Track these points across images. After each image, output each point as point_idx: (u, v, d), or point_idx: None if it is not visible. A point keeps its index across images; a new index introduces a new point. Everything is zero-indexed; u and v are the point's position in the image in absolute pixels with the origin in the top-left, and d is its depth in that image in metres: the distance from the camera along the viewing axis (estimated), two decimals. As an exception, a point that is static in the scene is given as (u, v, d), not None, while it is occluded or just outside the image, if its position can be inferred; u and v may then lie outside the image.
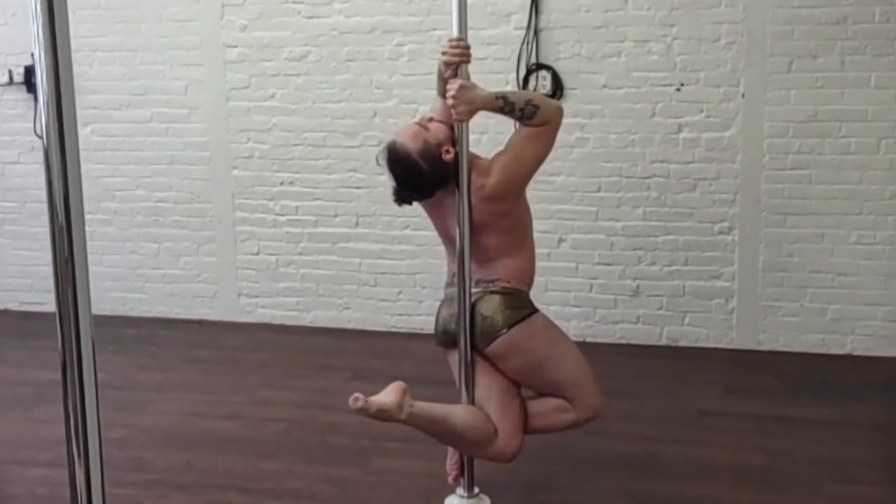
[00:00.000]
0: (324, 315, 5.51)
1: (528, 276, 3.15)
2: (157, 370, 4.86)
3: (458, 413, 3.10)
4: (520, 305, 3.07)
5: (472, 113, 2.96)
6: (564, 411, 3.14)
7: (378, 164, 3.11)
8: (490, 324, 3.04)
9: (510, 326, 3.03)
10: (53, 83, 1.26)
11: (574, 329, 5.10)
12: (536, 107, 2.93)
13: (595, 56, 4.95)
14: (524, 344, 3.06)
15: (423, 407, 3.02)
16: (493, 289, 3.07)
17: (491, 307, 3.05)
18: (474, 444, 3.12)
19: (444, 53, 3.02)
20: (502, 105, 2.93)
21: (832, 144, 4.78)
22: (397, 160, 3.04)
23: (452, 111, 2.96)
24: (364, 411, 2.87)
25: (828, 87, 4.74)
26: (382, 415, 2.92)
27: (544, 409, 3.17)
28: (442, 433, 3.10)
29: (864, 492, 3.46)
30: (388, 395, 2.95)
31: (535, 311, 3.11)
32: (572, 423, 3.18)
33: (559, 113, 2.98)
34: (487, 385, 3.12)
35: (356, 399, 2.84)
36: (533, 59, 4.98)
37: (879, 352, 4.86)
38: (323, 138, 5.35)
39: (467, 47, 3.01)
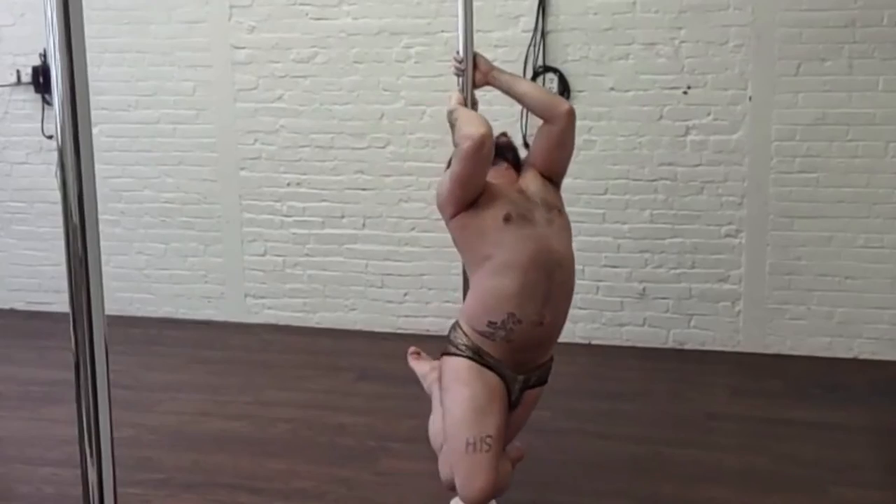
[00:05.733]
0: (330, 316, 5.52)
1: (471, 318, 2.94)
2: (164, 370, 4.88)
3: (439, 412, 3.18)
4: (450, 340, 3.00)
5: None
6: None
7: None
8: None
9: (441, 353, 3.04)
10: (68, 84, 1.27)
11: (580, 331, 5.11)
12: (452, 126, 2.93)
13: (603, 59, 4.95)
14: (441, 374, 3.04)
15: (435, 391, 3.20)
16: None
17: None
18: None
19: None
20: (450, 119, 3.00)
21: (840, 148, 4.78)
22: None
23: None
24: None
25: (835, 91, 4.74)
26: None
27: None
28: None
29: (869, 495, 3.46)
30: (424, 366, 3.48)
31: (458, 354, 2.95)
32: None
33: (465, 139, 2.81)
34: None
35: (412, 351, 3.63)
36: (540, 62, 4.98)
37: (886, 355, 4.86)
38: (330, 140, 5.36)
39: (460, 61, 3.13)
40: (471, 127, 2.83)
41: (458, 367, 2.93)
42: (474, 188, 2.88)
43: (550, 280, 2.88)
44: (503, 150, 3.10)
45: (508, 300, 2.84)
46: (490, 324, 2.87)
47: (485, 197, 2.90)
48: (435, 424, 3.27)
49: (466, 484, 2.83)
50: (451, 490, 3.19)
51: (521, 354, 2.93)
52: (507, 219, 2.88)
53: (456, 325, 3.01)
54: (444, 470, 3.09)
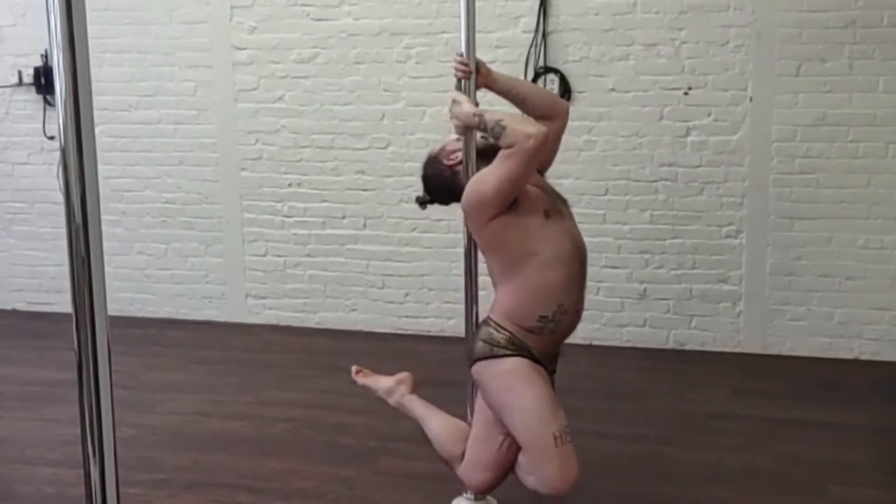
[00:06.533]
0: (331, 316, 5.52)
1: (521, 316, 2.93)
2: (164, 370, 4.88)
3: (434, 421, 3.26)
4: (493, 343, 2.95)
5: (462, 128, 3.01)
6: (530, 472, 2.93)
7: None
8: (468, 351, 3.07)
9: (476, 360, 2.99)
10: (71, 84, 1.27)
11: (581, 332, 5.08)
12: (503, 128, 2.82)
13: (603, 59, 4.95)
14: (483, 382, 3.00)
15: (412, 402, 3.35)
16: (486, 317, 3.04)
17: (476, 335, 3.05)
18: (441, 456, 3.26)
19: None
20: (478, 123, 2.92)
21: (840, 148, 4.78)
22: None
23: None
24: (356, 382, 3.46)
25: (836, 91, 4.74)
26: (371, 392, 3.46)
27: (520, 460, 2.98)
28: (423, 431, 3.32)
29: (869, 495, 3.46)
30: (385, 380, 3.43)
31: (510, 354, 2.93)
32: (536, 489, 2.94)
33: (528, 139, 2.77)
34: (477, 411, 3.13)
35: (356, 371, 3.47)
36: (541, 63, 4.98)
37: (886, 356, 4.86)
38: (331, 140, 5.36)
39: (465, 63, 3.07)
40: (529, 126, 2.85)
41: (516, 367, 2.93)
42: (522, 187, 2.91)
43: (582, 269, 3.01)
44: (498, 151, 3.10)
45: (558, 292, 2.92)
46: (541, 318, 2.92)
47: (521, 195, 2.92)
48: (437, 430, 3.23)
49: (561, 476, 2.85)
50: (478, 492, 3.19)
51: (555, 345, 3.02)
52: (546, 214, 2.94)
53: (493, 327, 2.98)
54: (474, 475, 3.09)
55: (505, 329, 2.95)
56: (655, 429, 4.05)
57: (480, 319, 3.16)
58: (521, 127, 2.83)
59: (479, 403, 3.11)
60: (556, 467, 2.85)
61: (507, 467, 3.04)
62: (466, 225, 3.10)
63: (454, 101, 3.01)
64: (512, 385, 2.92)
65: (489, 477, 3.08)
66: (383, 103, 5.25)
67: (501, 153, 2.85)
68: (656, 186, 4.99)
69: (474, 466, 3.09)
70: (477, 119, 2.92)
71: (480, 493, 3.23)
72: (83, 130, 1.27)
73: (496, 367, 2.95)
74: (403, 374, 3.41)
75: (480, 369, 2.99)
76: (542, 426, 2.87)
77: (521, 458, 2.97)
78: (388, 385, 3.41)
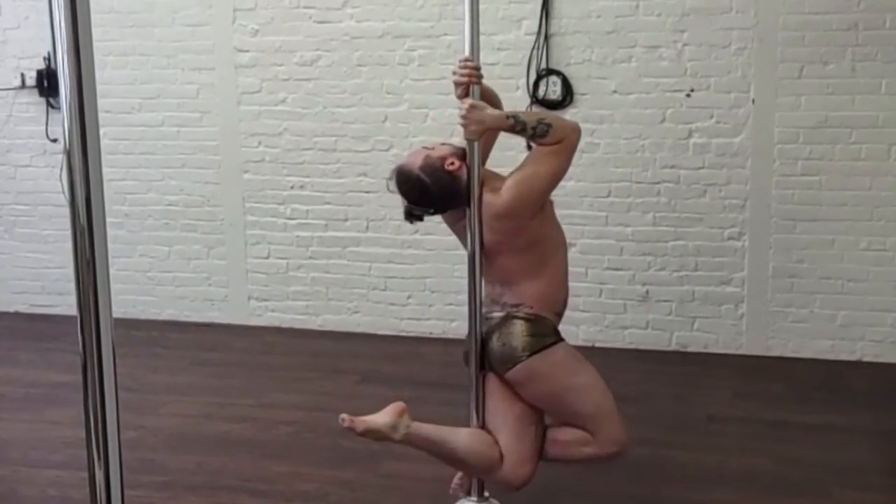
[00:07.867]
0: (333, 319, 5.52)
1: (554, 302, 3.07)
2: (167, 373, 4.88)
3: (459, 437, 3.10)
4: (542, 333, 3.01)
5: (481, 133, 2.98)
6: (585, 444, 3.05)
7: (388, 190, 3.17)
8: (509, 350, 3.01)
9: (530, 354, 2.98)
10: (76, 87, 1.27)
11: (583, 334, 5.11)
12: (549, 125, 2.89)
13: (605, 61, 4.95)
14: (543, 372, 3.01)
15: (422, 428, 3.07)
16: (516, 314, 3.02)
17: (512, 333, 3.01)
18: (476, 468, 3.15)
19: (454, 73, 3.05)
20: (513, 124, 2.94)
21: (842, 150, 4.78)
22: (402, 178, 3.08)
23: (464, 130, 2.99)
24: (352, 431, 2.98)
25: (838, 94, 4.74)
26: (372, 435, 3.02)
27: (565, 438, 3.09)
28: (441, 455, 3.13)
29: (872, 498, 3.46)
30: (381, 417, 3.04)
31: (558, 340, 3.03)
32: (593, 457, 3.09)
33: (574, 132, 2.95)
34: (503, 411, 3.09)
35: (342, 420, 2.96)
36: (543, 65, 4.99)
37: (889, 358, 4.86)
38: (333, 142, 5.36)
39: (477, 67, 3.01)
40: (569, 120, 3.05)
41: (569, 350, 3.09)
42: None
43: None
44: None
45: (567, 276, 3.17)
46: (564, 302, 3.14)
47: None
48: (470, 443, 3.09)
49: (624, 432, 3.06)
50: (524, 486, 3.13)
51: None
52: (551, 205, 3.11)
53: (532, 319, 3.00)
54: (521, 471, 3.06)
55: (545, 318, 3.04)
56: (657, 431, 4.05)
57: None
58: (565, 122, 3.00)
59: (500, 404, 3.08)
60: (620, 426, 3.05)
61: (540, 454, 3.12)
62: (492, 227, 3.01)
63: (473, 107, 2.95)
64: (574, 367, 3.06)
65: (533, 467, 3.09)
66: (386, 106, 5.26)
67: (542, 150, 2.94)
68: (659, 188, 4.99)
69: (521, 463, 3.07)
70: (511, 121, 2.94)
71: (520, 486, 3.12)
72: (88, 133, 1.27)
73: (553, 356, 3.03)
74: (399, 405, 3.07)
75: (537, 362, 2.99)
76: (607, 394, 3.07)
77: (567, 435, 3.08)
78: (390, 420, 3.03)
